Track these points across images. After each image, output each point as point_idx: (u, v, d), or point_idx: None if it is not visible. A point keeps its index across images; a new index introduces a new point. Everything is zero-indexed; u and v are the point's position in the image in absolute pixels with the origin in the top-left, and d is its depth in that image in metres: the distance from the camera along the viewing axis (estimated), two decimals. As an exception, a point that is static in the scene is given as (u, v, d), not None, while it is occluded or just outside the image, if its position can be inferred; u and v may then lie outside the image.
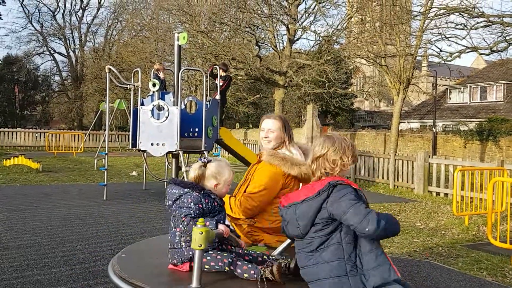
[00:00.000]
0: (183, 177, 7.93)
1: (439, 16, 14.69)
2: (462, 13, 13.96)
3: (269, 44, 23.11)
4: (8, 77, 37.56)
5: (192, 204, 2.23)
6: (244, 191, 2.88)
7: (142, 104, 8.31)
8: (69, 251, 4.71)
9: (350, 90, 30.99)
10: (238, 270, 2.14)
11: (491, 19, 13.57)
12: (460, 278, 4.31)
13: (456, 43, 16.03)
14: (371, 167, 12.16)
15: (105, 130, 20.04)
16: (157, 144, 8.00)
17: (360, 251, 2.05)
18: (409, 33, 17.16)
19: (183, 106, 8.81)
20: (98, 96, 34.29)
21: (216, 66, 9.67)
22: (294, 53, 23.11)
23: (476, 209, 7.78)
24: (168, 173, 10.39)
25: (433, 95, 29.72)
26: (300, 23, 22.07)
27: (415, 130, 26.86)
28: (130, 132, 8.53)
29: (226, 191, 2.42)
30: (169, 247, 2.30)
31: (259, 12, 21.03)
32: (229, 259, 2.15)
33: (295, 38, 22.15)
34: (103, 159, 9.42)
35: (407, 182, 11.00)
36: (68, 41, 39.00)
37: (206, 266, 2.17)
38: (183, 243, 2.24)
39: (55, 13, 38.98)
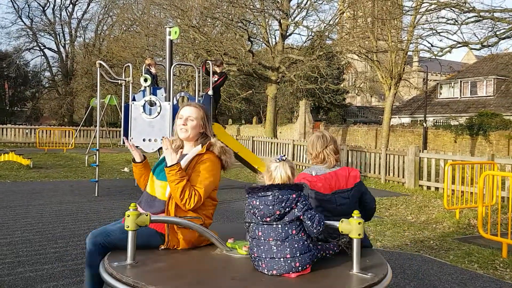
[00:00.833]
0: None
1: (431, 11, 14.76)
2: (453, 8, 14.05)
3: (261, 39, 23.07)
4: (-3, 73, 37.15)
5: (310, 204, 2.26)
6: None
7: (134, 99, 8.25)
8: (61, 248, 4.69)
9: (342, 85, 31.05)
10: (330, 251, 2.41)
11: (482, 14, 13.66)
12: (451, 271, 4.36)
13: (447, 38, 16.20)
14: (363, 162, 12.23)
15: (96, 126, 19.93)
16: (149, 140, 7.96)
17: None
18: (400, 28, 17.23)
19: (175, 102, 8.77)
20: (88, 92, 34.03)
21: (209, 62, 9.62)
22: (287, 48, 23.09)
23: (467, 202, 7.85)
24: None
25: (424, 90, 29.90)
26: (292, 18, 22.05)
27: (406, 125, 27.04)
28: (122, 128, 8.48)
29: None
30: (294, 255, 2.10)
31: (251, 7, 20.96)
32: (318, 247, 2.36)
33: (287, 33, 22.14)
34: (94, 155, 9.36)
35: (398, 176, 11.07)
36: (58, 37, 38.65)
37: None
38: (311, 245, 2.20)
39: (45, 8, 38.59)
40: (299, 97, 29.68)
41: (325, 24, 21.31)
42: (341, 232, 2.19)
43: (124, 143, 8.48)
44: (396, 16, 16.66)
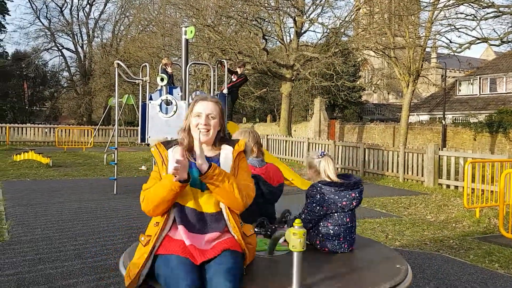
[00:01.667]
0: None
1: (449, 7, 14.54)
2: (472, 4, 13.79)
3: (276, 37, 23.00)
4: (17, 73, 37.78)
5: None
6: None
7: (151, 98, 8.32)
8: (80, 245, 4.75)
9: (358, 82, 30.77)
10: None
11: (501, 9, 13.39)
12: (472, 271, 4.28)
13: (466, 34, 15.90)
14: (380, 160, 12.10)
15: (114, 125, 20.18)
16: (166, 138, 8.02)
17: None
18: (418, 24, 16.99)
19: (191, 100, 8.81)
20: (106, 92, 34.42)
21: (224, 61, 9.64)
22: (301, 46, 22.97)
23: (487, 201, 7.71)
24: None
25: (443, 87, 29.45)
26: (307, 15, 21.92)
27: (424, 122, 26.67)
28: (139, 127, 8.56)
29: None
30: (351, 239, 2.62)
31: (266, 5, 20.91)
32: None
33: (302, 31, 22.02)
34: (113, 154, 9.47)
35: (417, 175, 10.93)
36: (76, 37, 39.16)
37: None
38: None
39: (63, 8, 39.12)
40: (314, 95, 29.51)
41: (340, 21, 21.12)
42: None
43: (147, 145, 8.56)
44: (414, 12, 16.43)
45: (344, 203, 2.58)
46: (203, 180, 2.09)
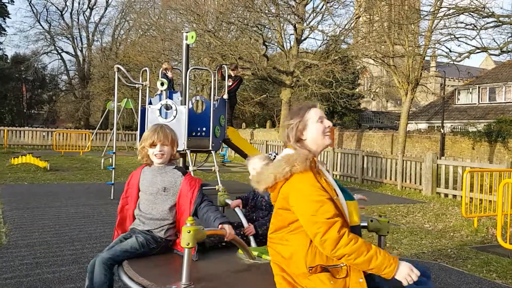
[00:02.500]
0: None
1: (449, 16, 14.61)
2: (472, 13, 13.88)
3: (276, 44, 23.08)
4: (16, 76, 37.81)
5: None
6: None
7: (150, 103, 8.32)
8: (77, 250, 4.73)
9: (357, 90, 30.85)
10: None
11: (501, 19, 13.48)
12: (469, 280, 4.27)
13: (465, 43, 15.94)
14: (379, 167, 12.10)
15: (112, 129, 20.14)
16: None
17: None
18: (417, 33, 17.08)
19: (190, 106, 8.82)
20: (105, 95, 34.45)
21: (224, 66, 9.66)
22: (301, 52, 23.05)
23: (485, 211, 7.71)
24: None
25: (442, 95, 29.54)
26: (307, 22, 22.02)
27: (423, 131, 26.71)
28: (138, 131, 8.55)
29: None
30: None
31: (267, 11, 21.00)
32: None
33: (302, 38, 22.10)
34: (110, 158, 9.45)
35: (415, 183, 10.93)
36: (75, 40, 39.26)
37: None
38: None
39: (63, 12, 39.27)
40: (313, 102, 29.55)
41: (340, 29, 21.23)
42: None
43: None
44: (414, 21, 16.51)
45: None
46: None
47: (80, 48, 39.57)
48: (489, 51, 14.61)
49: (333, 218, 1.85)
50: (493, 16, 13.50)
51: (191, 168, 8.00)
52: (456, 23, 15.03)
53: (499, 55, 14.92)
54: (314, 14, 22.11)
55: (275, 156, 2.68)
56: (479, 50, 14.57)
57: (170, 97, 8.36)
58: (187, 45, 8.42)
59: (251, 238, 2.76)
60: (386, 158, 12.05)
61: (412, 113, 29.20)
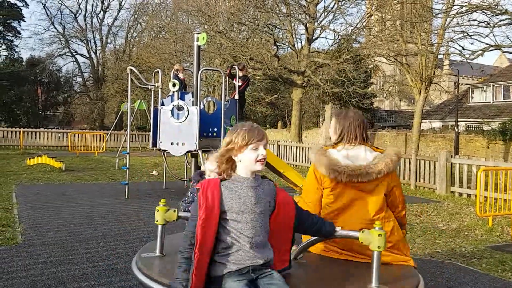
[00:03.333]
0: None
1: (461, 14, 14.45)
2: (485, 11, 13.70)
3: (287, 44, 23.08)
4: (31, 78, 38.38)
5: None
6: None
7: (162, 104, 8.39)
8: (92, 248, 4.79)
9: (369, 89, 30.63)
10: None
11: (515, 16, 13.27)
12: (484, 280, 4.23)
13: (479, 41, 15.80)
14: (392, 167, 11.99)
15: (125, 130, 20.34)
16: (177, 144, 8.08)
17: None
18: (430, 31, 16.91)
19: (202, 106, 8.87)
20: (119, 97, 34.79)
21: (235, 66, 9.69)
22: (313, 52, 23.01)
23: (500, 210, 7.60)
24: (187, 172, 10.48)
25: (455, 94, 29.19)
26: (318, 22, 21.98)
27: (437, 129, 26.45)
28: (151, 132, 8.63)
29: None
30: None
31: (277, 11, 21.01)
32: None
33: (313, 37, 22.07)
34: (124, 159, 9.55)
35: (429, 182, 10.83)
36: (89, 43, 39.71)
37: None
38: None
39: (77, 15, 39.75)
40: (325, 101, 29.45)
41: (352, 28, 21.14)
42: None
43: (153, 147, 8.63)
44: (426, 19, 16.36)
45: None
46: None
47: (94, 51, 40.04)
48: (503, 48, 14.41)
49: None
50: (506, 13, 13.31)
51: (202, 168, 8.03)
52: (469, 20, 14.91)
53: (513, 53, 14.70)
54: (326, 13, 22.07)
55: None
56: (492, 48, 14.39)
57: (182, 98, 8.42)
58: (198, 47, 8.47)
59: None
60: (400, 157, 11.94)
61: (425, 111, 28.87)
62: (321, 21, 22.22)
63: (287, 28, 21.89)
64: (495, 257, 5.06)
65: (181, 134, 8.04)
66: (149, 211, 7.01)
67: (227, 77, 9.90)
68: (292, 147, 16.88)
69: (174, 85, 8.26)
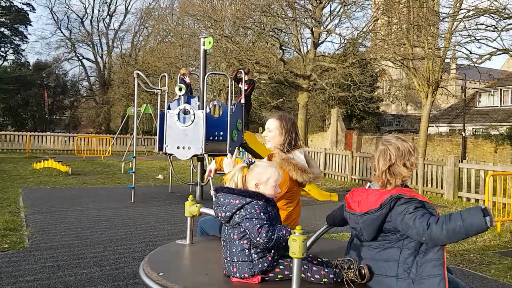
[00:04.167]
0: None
1: (469, 18, 14.38)
2: (493, 15, 13.64)
3: (293, 48, 23.08)
4: (37, 82, 38.64)
5: (262, 214, 2.09)
6: None
7: (169, 108, 8.41)
8: (99, 253, 4.79)
9: (376, 93, 30.55)
10: (316, 276, 2.08)
11: (523, 20, 13.20)
12: (493, 285, 4.18)
13: (486, 45, 15.68)
14: (398, 171, 11.92)
15: (132, 134, 20.42)
16: (183, 148, 8.08)
17: (421, 258, 2.09)
18: (437, 35, 16.84)
19: (208, 110, 8.88)
20: (125, 101, 34.92)
21: (241, 70, 9.70)
22: (319, 56, 22.99)
23: (509, 215, 7.53)
24: (193, 176, 10.48)
25: (463, 98, 29.04)
26: (324, 26, 21.97)
27: (444, 134, 26.32)
28: (157, 136, 8.64)
29: (273, 193, 2.25)
30: (232, 260, 2.12)
31: (283, 15, 21.04)
32: (304, 266, 2.08)
33: (319, 41, 22.06)
34: (130, 163, 9.57)
35: (437, 187, 10.75)
36: (96, 47, 39.95)
37: (280, 276, 2.11)
38: (255, 255, 2.09)
39: (83, 19, 40.02)
40: (331, 105, 29.42)
41: (358, 31, 21.11)
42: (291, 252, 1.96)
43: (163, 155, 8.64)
44: (433, 23, 16.30)
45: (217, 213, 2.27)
46: None
47: (100, 55, 40.27)
48: (510, 52, 14.32)
49: None
50: (514, 17, 13.25)
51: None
52: (476, 24, 14.77)
53: (521, 57, 14.60)
54: (331, 17, 22.08)
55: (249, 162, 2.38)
56: (500, 52, 14.31)
57: (188, 102, 8.43)
58: (205, 51, 8.49)
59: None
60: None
61: (432, 116, 28.75)
62: (327, 25, 22.23)
63: (293, 32, 21.91)
64: (504, 262, 5.00)
65: (187, 138, 8.05)
66: (155, 215, 7.01)
67: (233, 81, 9.92)
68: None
69: (180, 89, 8.27)
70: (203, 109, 8.17)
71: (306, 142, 22.27)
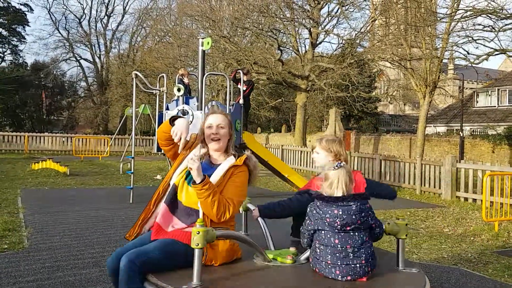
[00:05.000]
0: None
1: (466, 18, 14.42)
2: (490, 15, 13.68)
3: (291, 48, 23.11)
4: (35, 83, 38.58)
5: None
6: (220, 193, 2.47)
7: (167, 108, 8.42)
8: (97, 253, 4.81)
9: (374, 93, 30.61)
10: None
11: (520, 20, 13.24)
12: (491, 285, 4.20)
13: (483, 45, 15.78)
14: (397, 172, 11.98)
15: (130, 134, 20.40)
16: (182, 148, 8.07)
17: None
18: (435, 35, 16.87)
19: (206, 111, 8.89)
20: (123, 101, 34.89)
21: (240, 71, 9.72)
22: (317, 56, 23.03)
23: (506, 215, 7.57)
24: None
25: (460, 98, 29.10)
26: (322, 26, 22.00)
27: (441, 134, 26.36)
28: (155, 136, 8.64)
29: None
30: (366, 261, 2.23)
31: (281, 16, 21.06)
32: None
33: (317, 42, 22.09)
34: (129, 163, 9.57)
35: (434, 187, 10.79)
36: (93, 48, 39.92)
37: None
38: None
39: (81, 20, 39.98)
40: (329, 105, 29.46)
41: (356, 32, 21.15)
42: (388, 233, 2.45)
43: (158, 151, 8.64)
44: (430, 23, 16.32)
45: (327, 220, 2.25)
46: (193, 187, 2.37)
47: (98, 55, 40.24)
48: (508, 53, 14.37)
49: None
50: (511, 17, 13.28)
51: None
52: (473, 25, 14.81)
53: (518, 57, 14.64)
54: (329, 18, 22.10)
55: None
56: (497, 52, 14.35)
57: (187, 103, 8.45)
58: (203, 51, 8.50)
59: (270, 242, 2.75)
60: (404, 162, 11.92)
61: (430, 116, 28.81)
62: (325, 25, 22.26)
63: (291, 32, 21.93)
64: (501, 262, 5.03)
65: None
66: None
67: (231, 82, 9.93)
68: (296, 151, 16.87)
69: (179, 90, 8.28)
70: (201, 109, 8.19)
71: (305, 142, 22.29)
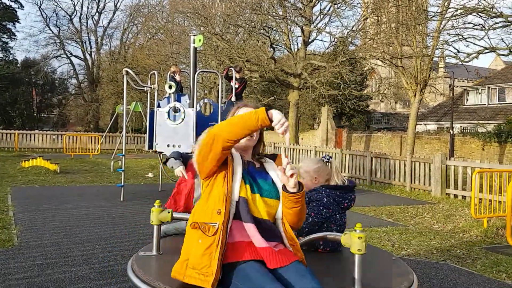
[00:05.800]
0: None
1: (457, 17, 14.54)
2: (480, 13, 13.80)
3: (283, 46, 23.14)
4: (26, 80, 38.20)
5: None
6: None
7: (159, 106, 8.39)
8: (88, 251, 4.79)
9: (365, 91, 30.75)
10: None
11: (509, 19, 13.39)
12: (479, 281, 4.26)
13: (474, 43, 15.76)
14: (387, 169, 12.07)
15: (121, 132, 20.32)
16: (173, 146, 8.08)
17: None
18: (425, 33, 17.00)
19: (198, 108, 8.88)
20: (114, 99, 34.66)
21: (232, 68, 9.71)
22: (309, 54, 23.07)
23: (495, 211, 7.66)
24: (183, 174, 10.45)
25: (450, 96, 29.34)
26: (315, 24, 22.04)
27: (432, 132, 26.58)
28: (147, 134, 8.63)
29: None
30: None
31: (274, 14, 21.06)
32: None
33: (309, 40, 22.13)
34: (120, 161, 9.53)
35: (424, 184, 10.88)
36: (84, 44, 39.57)
37: None
38: None
39: (72, 16, 39.60)
40: (321, 104, 29.55)
41: (348, 30, 21.24)
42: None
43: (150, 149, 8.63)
44: (421, 22, 16.44)
45: (345, 204, 2.80)
46: (290, 196, 1.96)
47: (89, 52, 39.91)
48: (497, 51, 14.52)
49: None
50: (501, 16, 13.42)
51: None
52: (464, 23, 14.97)
53: (508, 55, 14.81)
54: (322, 16, 22.14)
55: (328, 159, 2.89)
56: (487, 51, 14.49)
57: (178, 100, 8.42)
58: (195, 48, 8.49)
59: None
60: (395, 159, 12.01)
61: (421, 114, 29.03)
62: (317, 23, 22.30)
63: (283, 30, 21.95)
64: (489, 258, 5.09)
65: (178, 136, 8.05)
66: (144, 214, 7.00)
67: (224, 79, 9.93)
68: (289, 149, 16.89)
69: (170, 87, 8.26)
70: (193, 107, 8.18)
71: (297, 140, 22.35)
